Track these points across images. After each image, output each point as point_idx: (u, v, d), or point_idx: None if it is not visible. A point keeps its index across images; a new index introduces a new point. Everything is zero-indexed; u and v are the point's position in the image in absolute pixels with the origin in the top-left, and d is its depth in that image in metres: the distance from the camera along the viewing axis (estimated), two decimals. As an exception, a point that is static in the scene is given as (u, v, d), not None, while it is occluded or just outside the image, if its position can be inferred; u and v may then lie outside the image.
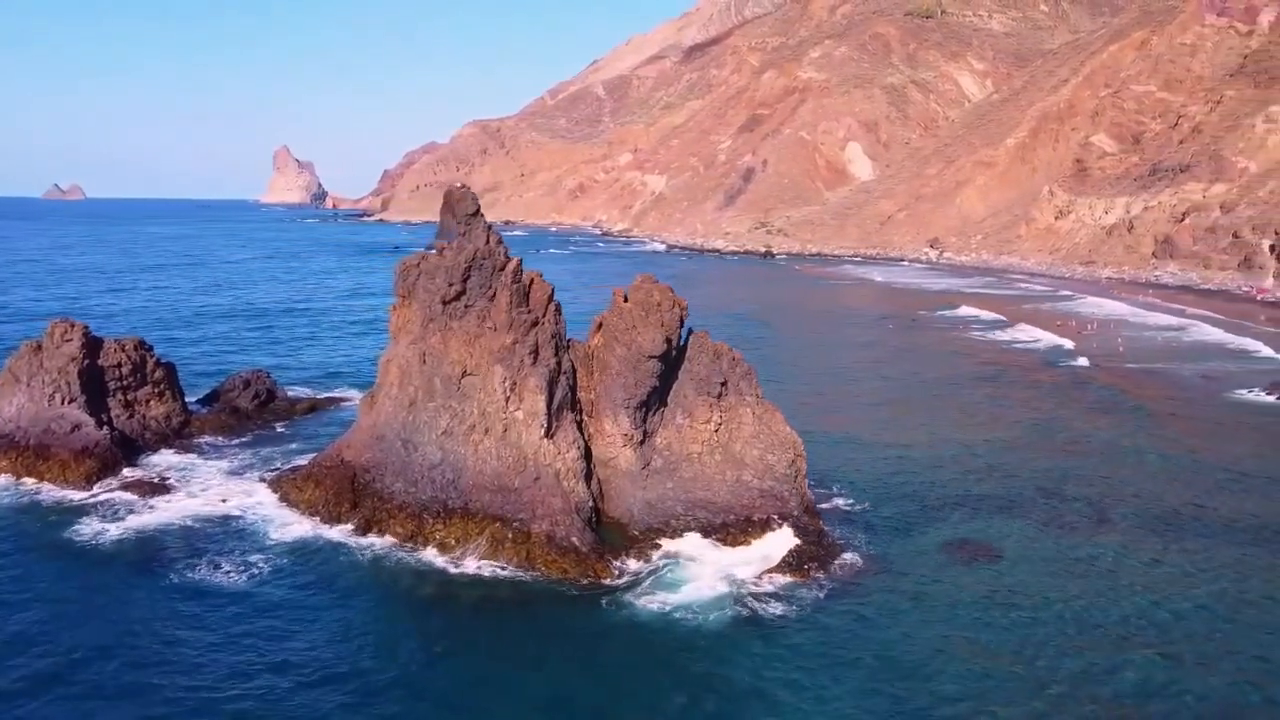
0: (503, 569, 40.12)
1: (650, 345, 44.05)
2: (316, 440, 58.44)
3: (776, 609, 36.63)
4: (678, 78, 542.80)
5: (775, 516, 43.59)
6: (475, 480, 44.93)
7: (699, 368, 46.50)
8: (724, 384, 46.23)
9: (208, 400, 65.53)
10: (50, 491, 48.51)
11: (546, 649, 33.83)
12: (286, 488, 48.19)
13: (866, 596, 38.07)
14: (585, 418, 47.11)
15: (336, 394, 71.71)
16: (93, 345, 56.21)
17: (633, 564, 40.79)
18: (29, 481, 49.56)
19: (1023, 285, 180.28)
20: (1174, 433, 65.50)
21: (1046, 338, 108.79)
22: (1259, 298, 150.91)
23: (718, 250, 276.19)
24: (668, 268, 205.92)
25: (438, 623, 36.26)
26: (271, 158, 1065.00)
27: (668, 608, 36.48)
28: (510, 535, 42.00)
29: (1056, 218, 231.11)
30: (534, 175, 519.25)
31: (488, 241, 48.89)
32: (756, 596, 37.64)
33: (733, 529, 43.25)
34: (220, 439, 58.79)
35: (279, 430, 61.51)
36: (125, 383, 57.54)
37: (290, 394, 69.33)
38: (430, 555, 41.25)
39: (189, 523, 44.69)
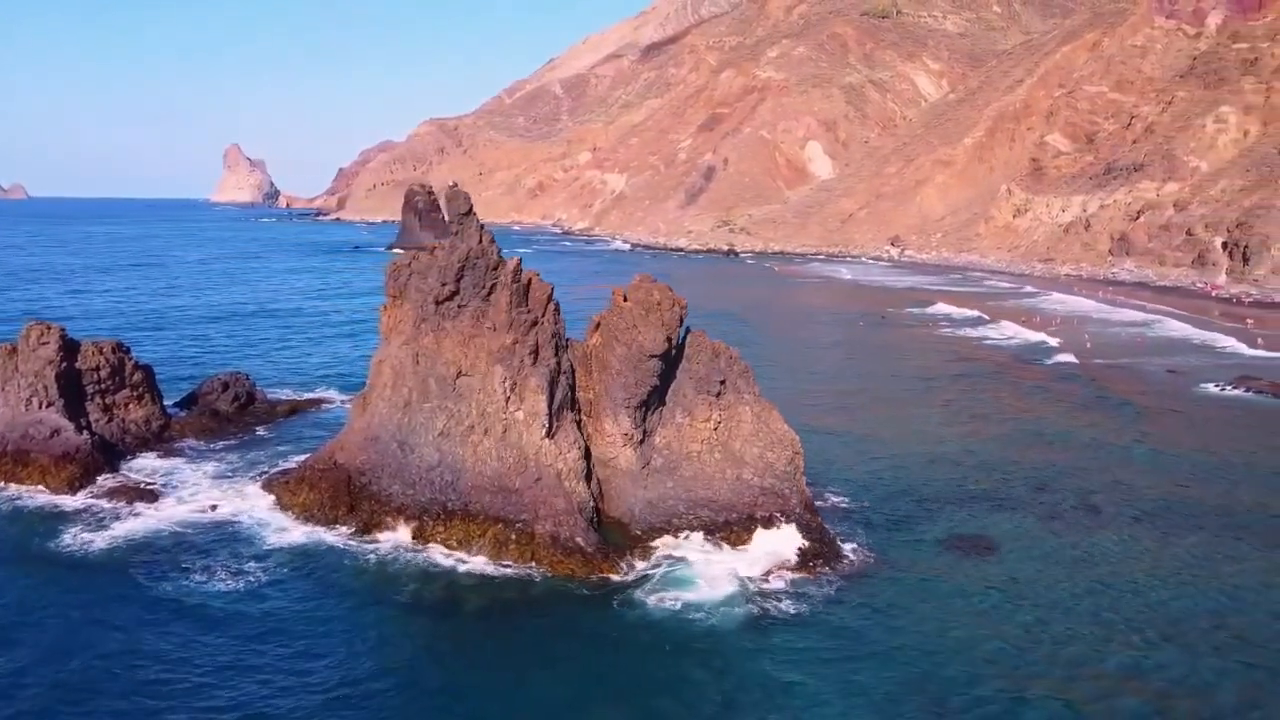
0: (508, 570, 39.83)
1: (652, 344, 43.93)
2: (302, 443, 57.55)
3: (788, 605, 36.77)
4: (635, 76, 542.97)
5: (777, 514, 43.71)
6: (475, 481, 44.53)
7: (698, 366, 46.48)
8: (723, 382, 46.27)
9: (186, 403, 64.24)
10: (32, 497, 47.26)
11: (563, 650, 33.64)
12: (279, 491, 47.36)
13: (874, 591, 38.39)
14: (583, 417, 46.88)
15: (317, 395, 70.67)
16: (70, 348, 54.81)
17: (639, 563, 40.67)
18: (9, 488, 48.20)
19: (989, 282, 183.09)
20: (1153, 426, 66.88)
21: (1024, 334, 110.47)
22: (1213, 294, 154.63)
23: (681, 249, 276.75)
24: (637, 266, 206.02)
25: (448, 626, 35.89)
26: (222, 156, 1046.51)
27: (680, 606, 36.44)
28: (514, 536, 41.70)
29: (1015, 216, 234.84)
30: (492, 174, 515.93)
31: (480, 241, 48.44)
32: (767, 594, 37.75)
33: (736, 527, 43.28)
34: (202, 443, 57.63)
35: (262, 433, 60.43)
36: (104, 386, 56.17)
37: (270, 396, 68.12)
38: (433, 557, 40.80)
39: (180, 529, 43.75)
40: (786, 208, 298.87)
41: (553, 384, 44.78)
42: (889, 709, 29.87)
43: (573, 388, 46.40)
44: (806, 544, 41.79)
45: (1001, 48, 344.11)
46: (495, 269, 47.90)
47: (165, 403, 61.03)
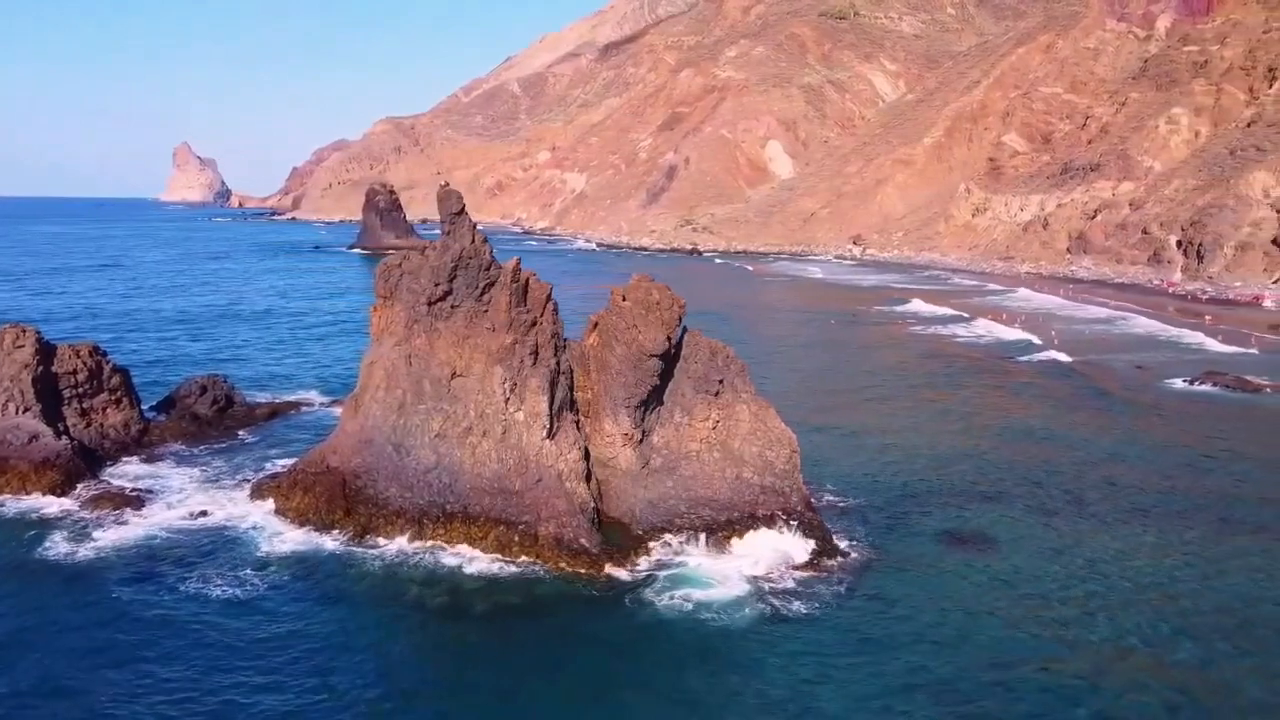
0: (512, 572, 39.46)
1: (652, 344, 43.83)
2: (288, 446, 56.65)
3: (798, 604, 36.86)
4: (594, 76, 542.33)
5: (779, 512, 43.80)
6: (473, 483, 44.10)
7: (695, 366, 46.44)
8: (721, 381, 46.29)
9: (163, 407, 62.91)
10: (14, 505, 45.87)
11: (577, 651, 33.43)
12: (271, 496, 46.49)
13: (880, 588, 38.67)
14: (582, 418, 46.63)
15: (296, 398, 69.54)
16: (46, 351, 53.43)
17: (644, 563, 40.55)
18: (-11, 496, 46.75)
19: (955, 280, 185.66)
20: (1130, 421, 68.24)
21: (1000, 331, 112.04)
22: (1170, 290, 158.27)
23: (645, 248, 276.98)
24: (605, 265, 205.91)
25: (459, 629, 35.45)
26: (171, 154, 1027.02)
27: (692, 606, 36.36)
28: (517, 538, 41.38)
29: (974, 215, 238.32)
30: (451, 173, 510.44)
31: (473, 240, 48.01)
32: (776, 592, 37.81)
33: (738, 526, 43.27)
34: (184, 447, 56.47)
35: (244, 437, 59.34)
36: (81, 390, 54.84)
37: (248, 399, 66.91)
38: (436, 560, 40.30)
39: (171, 535, 42.78)
40: (748, 207, 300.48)
41: (553, 384, 44.50)
42: (907, 704, 30.03)
43: (571, 388, 46.14)
44: (809, 542, 41.97)
45: (957, 49, 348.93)
46: (488, 269, 47.53)
47: (142, 407, 59.71)
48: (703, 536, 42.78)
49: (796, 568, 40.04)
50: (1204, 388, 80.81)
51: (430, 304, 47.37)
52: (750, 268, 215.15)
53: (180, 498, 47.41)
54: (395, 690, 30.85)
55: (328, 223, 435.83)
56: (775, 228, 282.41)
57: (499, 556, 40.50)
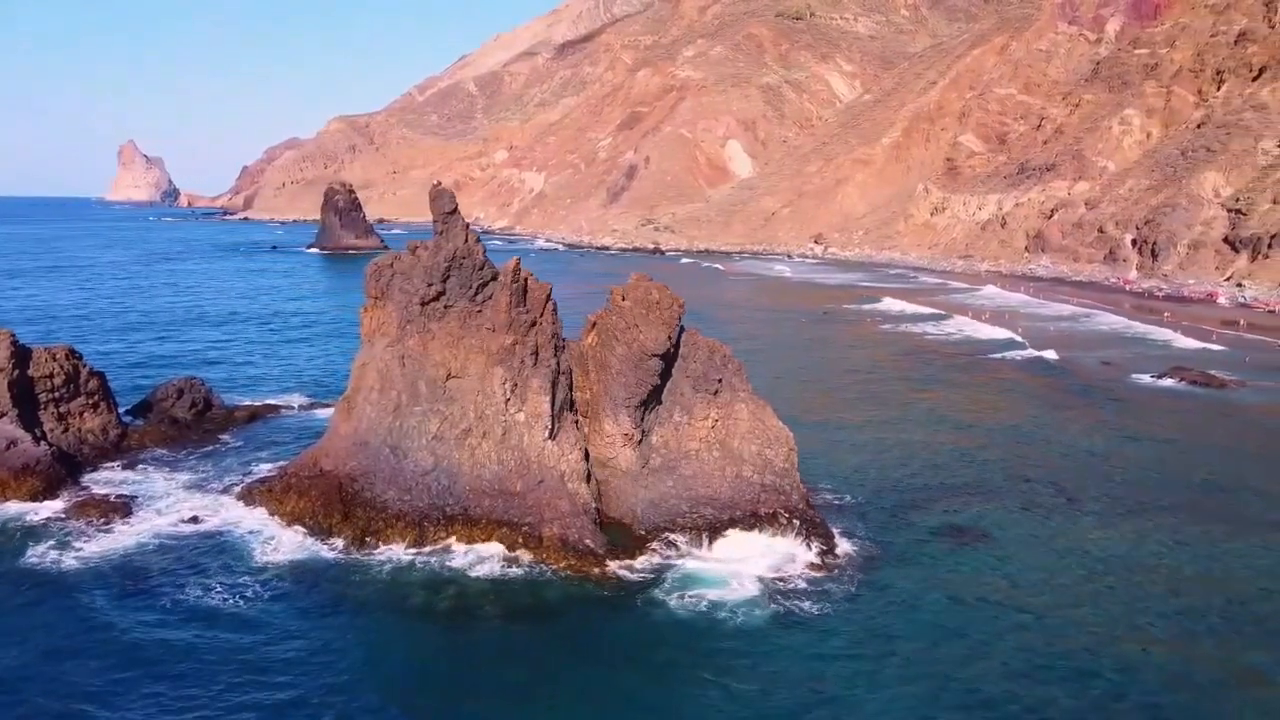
0: (519, 575, 39.09)
1: (653, 344, 43.72)
2: (273, 449, 55.66)
3: (809, 601, 36.99)
4: (551, 75, 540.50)
5: (781, 510, 43.94)
6: (473, 485, 43.67)
7: (694, 365, 46.43)
8: (720, 380, 46.32)
9: (140, 411, 61.43)
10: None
11: (595, 654, 33.22)
12: (263, 500, 45.62)
13: (886, 584, 38.97)
14: (580, 418, 46.37)
15: (275, 401, 68.25)
16: (21, 354, 51.92)
17: (651, 564, 40.41)
18: (-32, 505, 45.23)
19: (922, 279, 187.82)
20: (1106, 415, 69.67)
21: (975, 328, 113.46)
22: (1127, 288, 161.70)
23: (607, 247, 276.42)
24: (570, 264, 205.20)
25: (469, 635, 34.97)
26: (116, 153, 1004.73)
27: (705, 606, 36.31)
28: (521, 540, 41.05)
29: (932, 214, 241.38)
30: (407, 172, 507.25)
31: (466, 240, 47.56)
32: (786, 590, 37.91)
33: (741, 524, 43.30)
34: (165, 451, 55.17)
35: (226, 440, 58.11)
36: (58, 394, 53.41)
37: (226, 402, 65.59)
38: (440, 565, 39.78)
39: (165, 543, 41.73)
40: (709, 206, 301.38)
41: (554, 385, 44.19)
42: (926, 699, 30.28)
43: (570, 388, 45.86)
44: (813, 540, 42.17)
45: (911, 50, 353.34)
46: (481, 268, 47.12)
47: (119, 411, 58.26)
48: (706, 536, 42.79)
49: (804, 566, 40.20)
50: (1170, 383, 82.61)
51: (423, 304, 46.84)
52: (721, 267, 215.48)
53: (169, 504, 46.28)
54: (415, 701, 30.33)
55: (283, 222, 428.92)
56: (737, 227, 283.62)
57: (504, 559, 40.11)
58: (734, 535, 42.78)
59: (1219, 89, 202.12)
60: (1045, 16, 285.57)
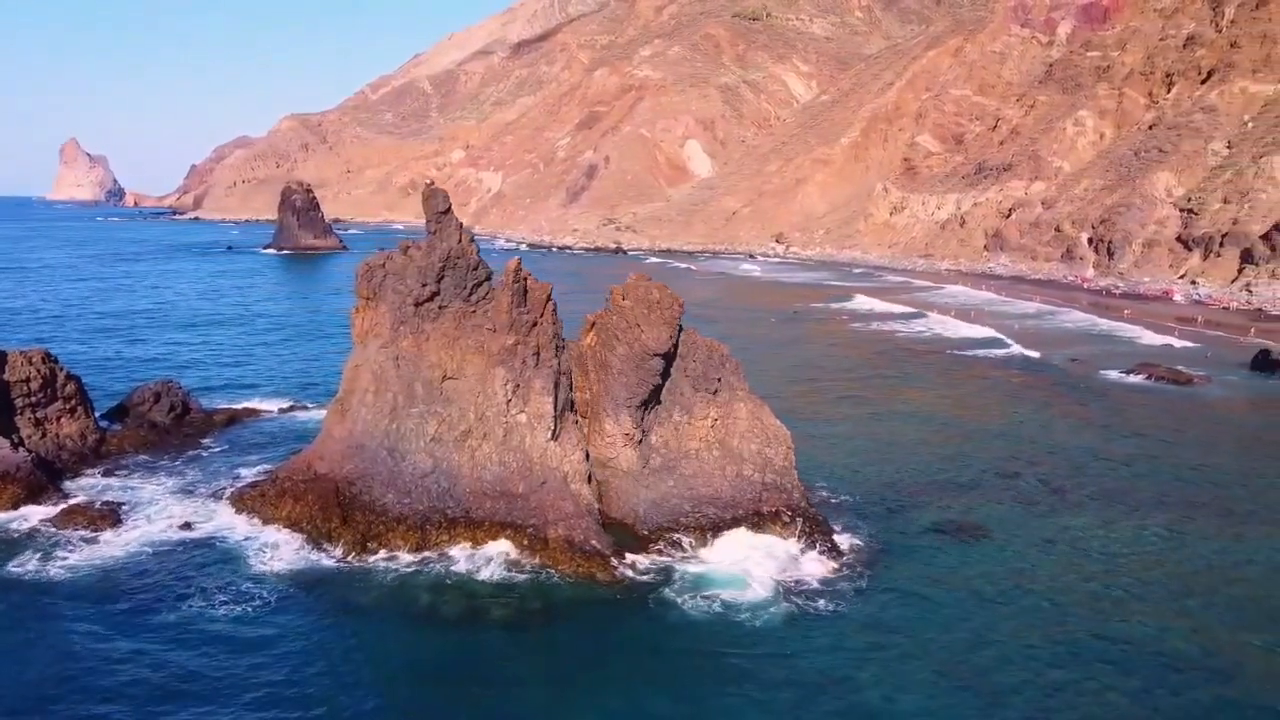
0: (525, 578, 38.69)
1: (655, 343, 43.59)
2: (258, 453, 54.59)
3: (820, 598, 37.15)
4: (507, 74, 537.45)
5: (782, 509, 44.05)
6: (474, 487, 43.18)
7: (694, 365, 46.36)
8: (719, 379, 46.30)
9: (116, 415, 59.79)
10: (-20, 522, 42.95)
11: (611, 655, 33.05)
12: (256, 505, 44.68)
13: (891, 580, 39.28)
14: (580, 418, 46.08)
15: (254, 404, 66.91)
16: (-4, 359, 50.35)
17: (656, 563, 40.27)
18: (-54, 515, 43.68)
19: (886, 277, 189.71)
20: (1080, 410, 70.90)
21: (949, 325, 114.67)
22: (1085, 286, 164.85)
23: (569, 247, 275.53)
24: (533, 265, 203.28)
25: (479, 639, 34.50)
26: (58, 151, 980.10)
27: (718, 605, 36.27)
28: (526, 542, 40.68)
29: (892, 213, 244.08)
30: (361, 172, 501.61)
31: (460, 240, 47.03)
32: (795, 588, 38.01)
33: (744, 523, 43.36)
34: (146, 457, 53.82)
35: (208, 445, 56.82)
36: (34, 399, 51.83)
37: (204, 406, 64.17)
38: (444, 569, 39.25)
39: (158, 551, 40.64)
40: (670, 205, 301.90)
41: (556, 385, 43.84)
42: (941, 693, 30.57)
43: (570, 389, 45.54)
44: (815, 537, 42.34)
45: (866, 51, 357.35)
46: (476, 268, 46.64)
47: (95, 415, 56.70)
48: (710, 535, 42.77)
49: (810, 564, 40.36)
50: (1139, 379, 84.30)
51: (418, 305, 46.24)
52: (689, 266, 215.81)
53: (157, 510, 45.14)
54: (428, 712, 29.83)
55: (236, 222, 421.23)
56: (698, 226, 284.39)
57: (508, 562, 39.69)
58: (738, 534, 42.82)
59: (1169, 91, 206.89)
60: (998, 19, 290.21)
